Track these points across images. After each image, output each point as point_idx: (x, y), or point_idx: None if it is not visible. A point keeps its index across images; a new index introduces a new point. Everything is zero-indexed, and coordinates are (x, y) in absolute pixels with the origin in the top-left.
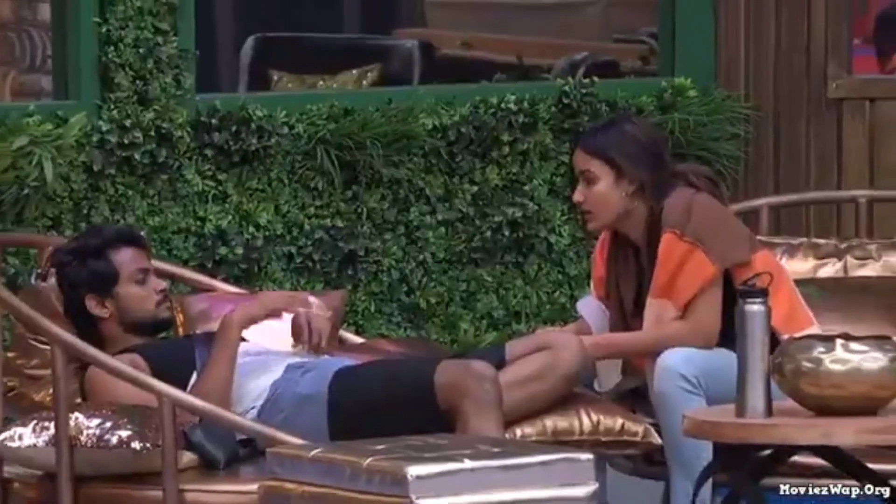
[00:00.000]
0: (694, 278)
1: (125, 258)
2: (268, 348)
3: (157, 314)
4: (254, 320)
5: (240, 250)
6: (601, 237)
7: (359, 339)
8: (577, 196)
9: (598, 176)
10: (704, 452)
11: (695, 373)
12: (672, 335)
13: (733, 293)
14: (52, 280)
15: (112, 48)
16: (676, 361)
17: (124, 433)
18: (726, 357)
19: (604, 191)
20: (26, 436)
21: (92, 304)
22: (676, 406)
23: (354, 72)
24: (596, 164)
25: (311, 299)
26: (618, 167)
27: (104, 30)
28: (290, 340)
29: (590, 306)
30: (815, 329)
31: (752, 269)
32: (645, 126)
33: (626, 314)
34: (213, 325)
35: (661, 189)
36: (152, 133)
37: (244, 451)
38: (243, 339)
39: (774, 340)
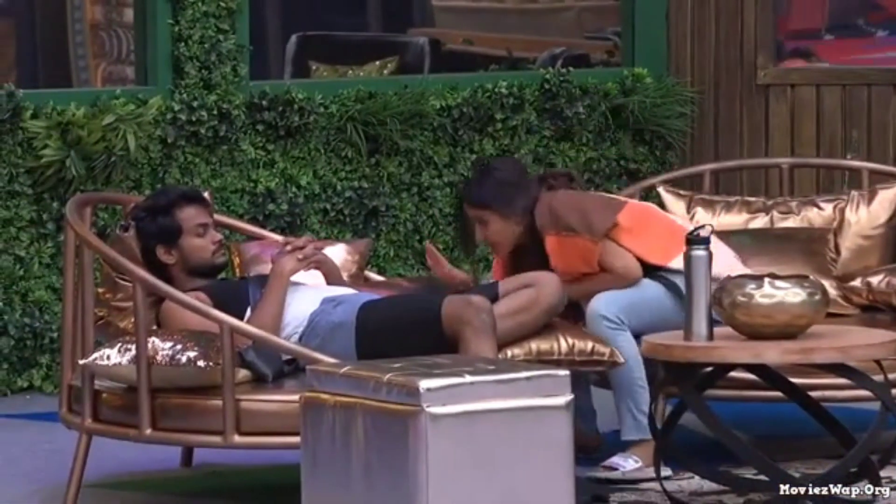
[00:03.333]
0: (587, 257)
1: (188, 215)
2: (307, 286)
3: (213, 261)
4: (297, 270)
5: (285, 206)
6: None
7: (380, 278)
8: (478, 236)
9: (489, 220)
10: (636, 374)
11: (616, 312)
12: (610, 284)
13: None
14: (132, 231)
15: (182, 44)
16: (599, 306)
17: (192, 354)
18: (646, 289)
19: (498, 228)
20: (113, 356)
21: (160, 253)
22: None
23: (377, 63)
24: (485, 213)
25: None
26: (500, 211)
27: (176, 29)
28: (323, 281)
29: None
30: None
31: (620, 227)
32: (508, 165)
33: None
34: (262, 268)
35: (536, 201)
36: (215, 112)
37: (288, 369)
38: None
39: (647, 269)
